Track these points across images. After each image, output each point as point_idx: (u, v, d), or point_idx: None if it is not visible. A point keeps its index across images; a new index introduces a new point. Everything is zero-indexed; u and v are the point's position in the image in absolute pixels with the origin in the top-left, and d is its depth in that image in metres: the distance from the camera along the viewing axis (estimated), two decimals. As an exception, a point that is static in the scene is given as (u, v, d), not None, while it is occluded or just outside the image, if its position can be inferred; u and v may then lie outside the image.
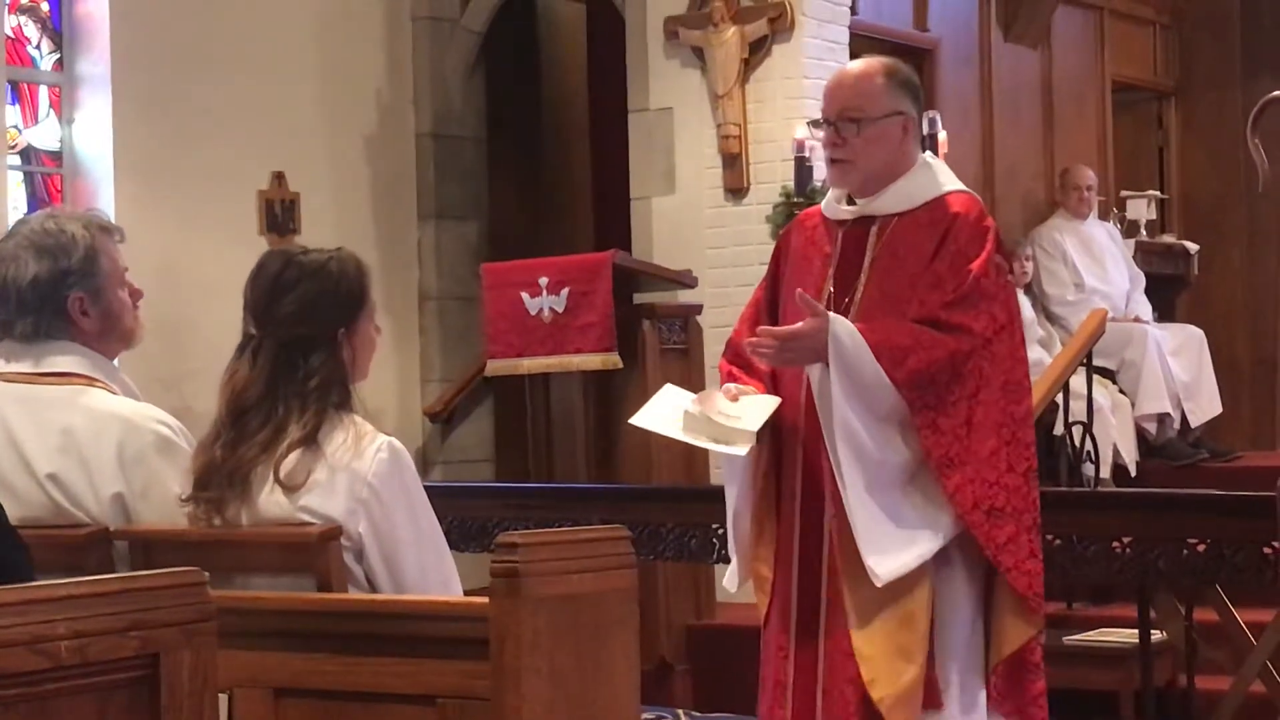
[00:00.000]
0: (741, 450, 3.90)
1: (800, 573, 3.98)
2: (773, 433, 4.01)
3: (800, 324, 3.80)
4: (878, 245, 3.99)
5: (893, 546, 3.76)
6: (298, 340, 3.23)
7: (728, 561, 5.98)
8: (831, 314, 3.81)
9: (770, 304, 4.16)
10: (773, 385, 4.05)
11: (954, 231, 3.91)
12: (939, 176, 4.07)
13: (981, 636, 3.91)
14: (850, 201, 4.08)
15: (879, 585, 3.75)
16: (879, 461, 3.80)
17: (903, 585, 3.79)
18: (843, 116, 3.97)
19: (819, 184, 7.50)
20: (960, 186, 4.08)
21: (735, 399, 3.95)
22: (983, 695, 3.91)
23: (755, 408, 3.94)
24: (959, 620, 3.88)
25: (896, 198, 4.01)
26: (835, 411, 3.77)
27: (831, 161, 4.05)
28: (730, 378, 4.06)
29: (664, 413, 4.04)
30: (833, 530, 3.89)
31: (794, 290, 3.94)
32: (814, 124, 4.14)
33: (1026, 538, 3.82)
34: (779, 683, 4.00)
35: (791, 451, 4.01)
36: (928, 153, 4.15)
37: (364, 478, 3.15)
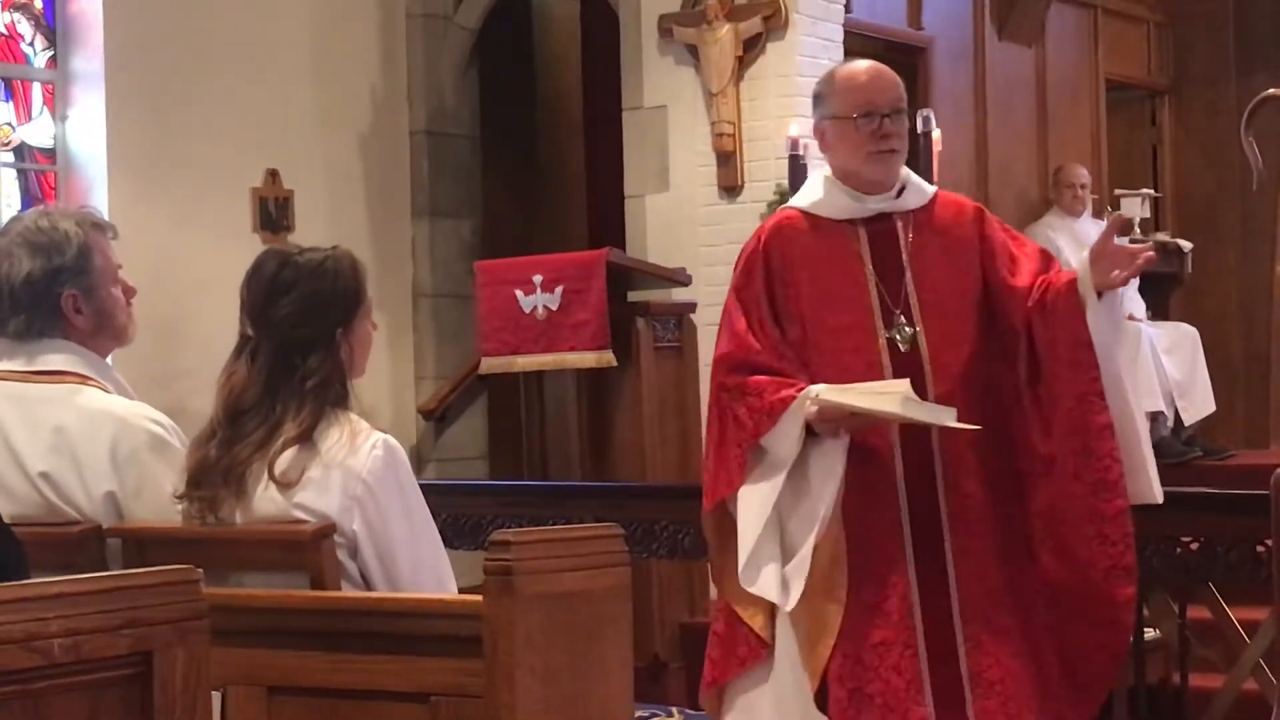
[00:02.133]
0: (954, 421, 3.87)
1: (919, 570, 3.93)
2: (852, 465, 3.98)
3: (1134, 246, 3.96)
4: (914, 237, 4.09)
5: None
6: (295, 341, 3.23)
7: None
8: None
9: (772, 317, 4.06)
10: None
11: (987, 218, 4.13)
12: (917, 177, 4.22)
13: None
14: (855, 200, 4.11)
15: (1160, 501, 3.96)
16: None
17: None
18: (895, 108, 4.05)
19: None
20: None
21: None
22: None
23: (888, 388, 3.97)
24: None
25: (912, 194, 4.13)
26: (1125, 338, 3.98)
27: (885, 153, 4.05)
28: (779, 386, 3.94)
29: (868, 394, 3.92)
30: (949, 524, 3.95)
31: (821, 294, 4.01)
32: (864, 116, 4.03)
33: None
34: (912, 682, 3.88)
35: (885, 445, 3.97)
36: None
37: (359, 475, 3.15)
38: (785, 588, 3.92)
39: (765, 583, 3.93)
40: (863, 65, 4.18)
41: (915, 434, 3.95)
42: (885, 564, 3.94)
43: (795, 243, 4.11)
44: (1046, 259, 4.11)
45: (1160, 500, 3.99)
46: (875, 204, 4.09)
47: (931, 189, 4.18)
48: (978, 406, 3.97)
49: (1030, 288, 3.99)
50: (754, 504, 3.96)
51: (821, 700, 3.95)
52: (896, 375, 3.97)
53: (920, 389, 3.94)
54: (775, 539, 3.96)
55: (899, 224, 4.09)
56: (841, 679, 3.90)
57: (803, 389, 3.91)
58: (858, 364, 4.00)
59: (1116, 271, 3.85)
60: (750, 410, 3.96)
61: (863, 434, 3.95)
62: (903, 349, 4.00)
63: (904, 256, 4.06)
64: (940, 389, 3.97)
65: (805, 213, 4.14)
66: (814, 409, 3.86)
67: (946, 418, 3.88)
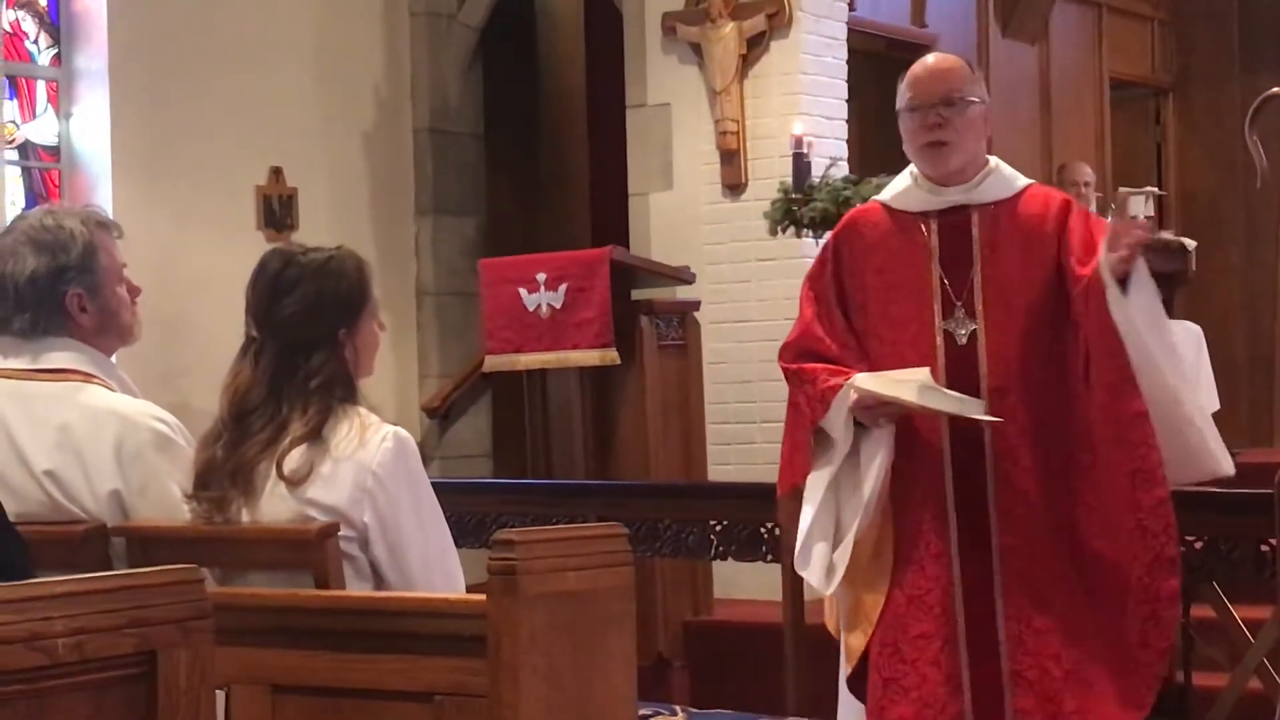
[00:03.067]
0: (982, 414, 3.90)
1: (964, 564, 3.95)
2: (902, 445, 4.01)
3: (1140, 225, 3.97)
4: (986, 230, 4.06)
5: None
6: (299, 341, 3.23)
7: (724, 558, 5.98)
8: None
9: (840, 306, 4.12)
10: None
11: (1074, 213, 4.05)
12: (1014, 171, 4.20)
13: None
14: (928, 192, 4.11)
15: (1231, 473, 3.97)
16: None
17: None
18: (948, 99, 4.05)
19: (816, 180, 7.50)
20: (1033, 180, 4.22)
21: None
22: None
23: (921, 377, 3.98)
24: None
25: (993, 186, 4.11)
26: (1160, 323, 3.88)
27: (931, 145, 4.07)
28: (832, 374, 4.01)
29: (893, 383, 3.97)
30: (997, 521, 3.93)
31: (885, 284, 4.04)
32: (910, 109, 4.09)
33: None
34: (951, 677, 3.92)
35: (935, 438, 3.99)
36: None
37: (369, 467, 3.16)
38: (830, 573, 4.00)
39: (813, 567, 4.01)
40: (927, 59, 4.21)
41: (966, 427, 3.95)
42: (931, 557, 3.97)
43: (867, 235, 4.15)
44: None
45: (1231, 472, 4.00)
46: (952, 196, 4.09)
47: (1023, 181, 4.14)
48: (1036, 401, 3.97)
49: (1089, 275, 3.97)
50: (813, 490, 4.05)
51: (859, 687, 4.01)
52: (950, 368, 3.99)
53: (972, 382, 3.96)
54: (829, 525, 4.03)
55: (975, 216, 4.08)
56: (879, 667, 3.97)
57: (850, 376, 3.96)
58: (913, 355, 4.02)
59: (1116, 253, 3.83)
60: (807, 398, 4.05)
61: (914, 425, 3.99)
62: (960, 342, 4.01)
63: (975, 249, 4.05)
64: (995, 382, 3.97)
65: (885, 205, 4.18)
66: (854, 396, 3.93)
67: (972, 409, 3.90)
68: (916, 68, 4.16)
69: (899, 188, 4.18)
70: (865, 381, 3.93)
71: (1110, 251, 3.82)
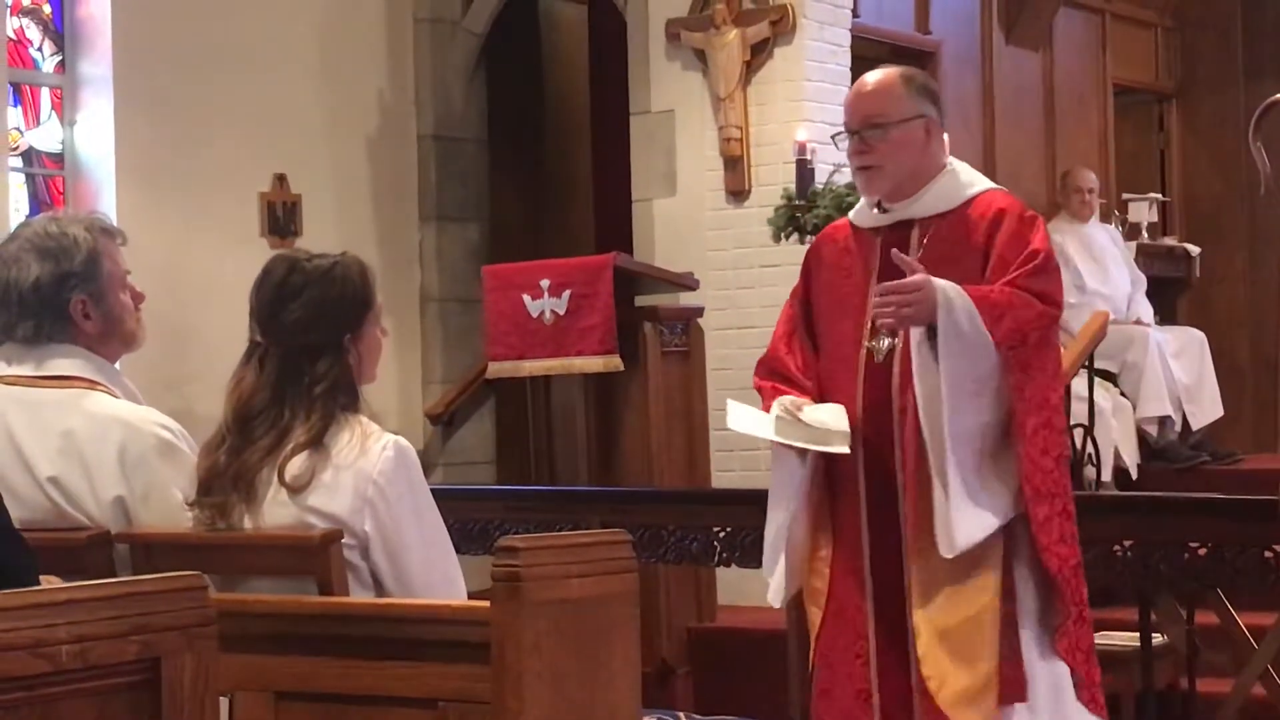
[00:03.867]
0: (843, 448, 3.92)
1: (875, 578, 3.97)
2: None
3: (914, 277, 3.80)
4: (921, 247, 4.01)
5: (970, 516, 3.78)
6: (304, 347, 3.23)
7: (728, 565, 6.00)
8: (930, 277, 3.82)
9: (805, 319, 4.18)
10: (819, 396, 4.07)
11: (1005, 222, 3.94)
12: (973, 176, 4.11)
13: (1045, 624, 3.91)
14: (880, 209, 4.09)
15: (949, 555, 3.76)
16: (969, 429, 3.80)
17: (972, 585, 3.82)
18: (866, 124, 4.01)
19: (820, 186, 7.51)
20: (994, 185, 4.12)
21: (799, 409, 3.97)
22: (1068, 680, 3.90)
23: (830, 412, 3.98)
24: (1034, 609, 3.88)
25: (936, 198, 4.05)
26: (943, 368, 3.77)
27: (858, 170, 4.08)
28: (776, 392, 4.08)
29: (755, 416, 4.07)
30: (909, 531, 3.90)
31: (831, 303, 4.05)
32: (837, 137, 4.14)
33: (1059, 521, 3.85)
34: (861, 690, 3.99)
35: (850, 457, 4.00)
36: (952, 158, 4.16)
37: (370, 476, 3.16)
38: (779, 589, 4.14)
39: (772, 581, 4.14)
40: (863, 78, 4.18)
41: (876, 445, 3.96)
42: (851, 575, 4.03)
43: (825, 254, 4.19)
44: (1022, 265, 3.92)
45: (947, 555, 3.82)
46: (896, 212, 4.07)
47: (971, 191, 4.06)
48: None
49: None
50: (770, 509, 4.12)
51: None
52: (867, 387, 4.00)
53: (885, 401, 3.97)
54: (783, 541, 4.09)
55: (915, 231, 4.05)
56: (817, 680, 4.11)
57: (779, 400, 4.04)
58: (842, 374, 4.07)
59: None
60: None
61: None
62: (877, 360, 4.00)
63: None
64: (901, 402, 3.97)
65: (850, 223, 4.20)
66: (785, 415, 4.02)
67: (835, 441, 3.92)
68: (851, 89, 4.19)
69: (859, 205, 4.21)
70: (735, 420, 4.09)
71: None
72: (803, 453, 4.01)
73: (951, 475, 3.77)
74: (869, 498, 4.00)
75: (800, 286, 4.23)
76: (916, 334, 3.83)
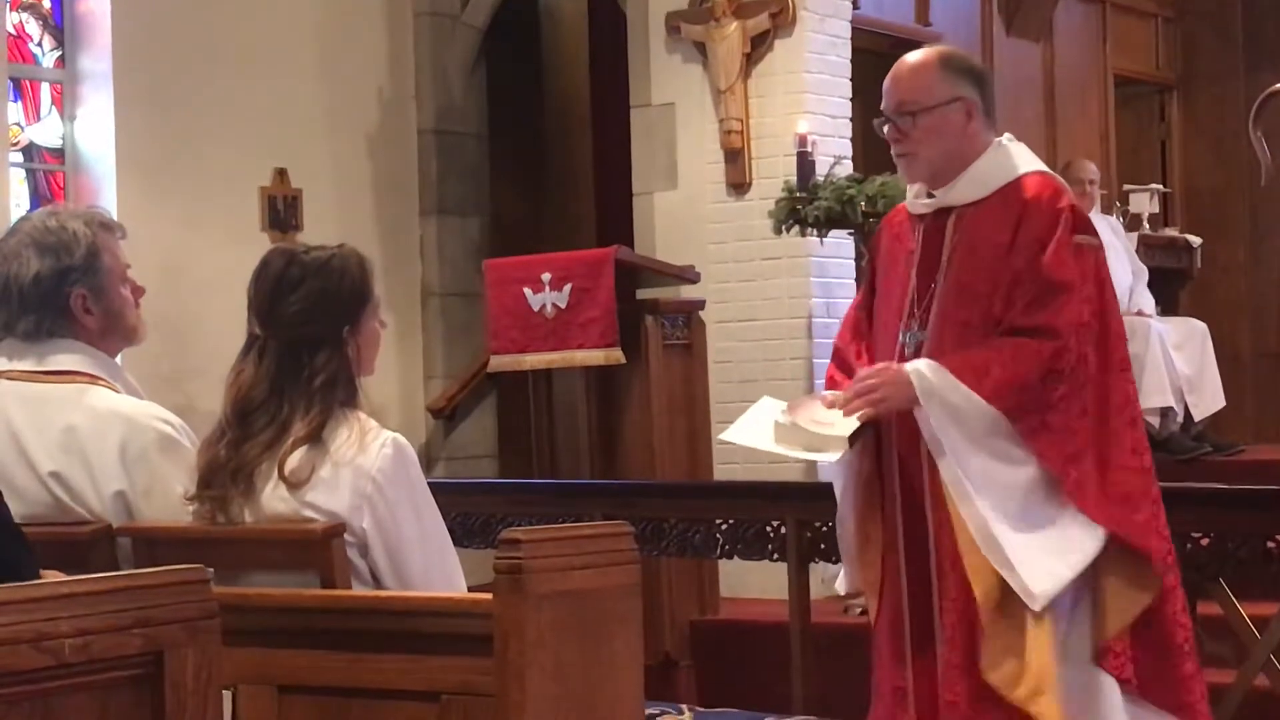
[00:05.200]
0: (833, 457, 3.90)
1: (909, 579, 3.94)
2: (876, 438, 3.98)
3: (874, 367, 3.82)
4: (955, 236, 3.92)
5: (1043, 563, 3.69)
6: (302, 339, 3.22)
7: (730, 557, 6.00)
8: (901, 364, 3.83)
9: (869, 305, 4.14)
10: None
11: (1026, 220, 3.82)
12: (1014, 159, 3.96)
13: (1085, 624, 3.82)
14: (929, 195, 4.01)
15: (1037, 608, 3.68)
16: (1005, 484, 3.74)
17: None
18: (899, 110, 3.93)
19: (821, 179, 7.50)
20: (1038, 167, 3.97)
21: (831, 405, 3.92)
22: (1102, 678, 3.81)
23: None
24: (1063, 612, 3.80)
25: (970, 185, 3.93)
26: (944, 444, 3.74)
27: (896, 156, 4.00)
28: (832, 384, 4.05)
29: (754, 426, 4.05)
30: (935, 537, 3.87)
31: (883, 291, 4.03)
32: (878, 122, 4.03)
33: (1154, 512, 3.80)
34: (898, 688, 3.96)
35: (889, 458, 3.97)
36: (1006, 135, 4.00)
37: (368, 473, 3.15)
38: (842, 577, 4.22)
39: (840, 576, 4.24)
40: (903, 59, 4.07)
41: (908, 439, 3.92)
42: (895, 571, 3.99)
43: (887, 238, 4.15)
44: (1027, 292, 3.81)
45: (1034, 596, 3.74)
46: (927, 200, 3.99)
47: (1013, 174, 3.91)
48: None
49: (1004, 326, 3.85)
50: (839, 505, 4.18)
51: None
52: None
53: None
54: (842, 528, 4.16)
55: (951, 219, 3.94)
56: (873, 675, 4.12)
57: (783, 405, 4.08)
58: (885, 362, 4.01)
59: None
60: None
61: (881, 428, 3.98)
62: (908, 353, 3.92)
63: (944, 253, 3.93)
64: None
65: (907, 208, 4.13)
66: (785, 418, 4.03)
67: (831, 448, 3.90)
68: (890, 72, 4.05)
69: (917, 187, 4.09)
70: (734, 435, 4.12)
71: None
72: (851, 441, 3.93)
73: (999, 530, 3.71)
74: (903, 498, 3.95)
75: (868, 276, 4.22)
76: (920, 413, 3.79)
